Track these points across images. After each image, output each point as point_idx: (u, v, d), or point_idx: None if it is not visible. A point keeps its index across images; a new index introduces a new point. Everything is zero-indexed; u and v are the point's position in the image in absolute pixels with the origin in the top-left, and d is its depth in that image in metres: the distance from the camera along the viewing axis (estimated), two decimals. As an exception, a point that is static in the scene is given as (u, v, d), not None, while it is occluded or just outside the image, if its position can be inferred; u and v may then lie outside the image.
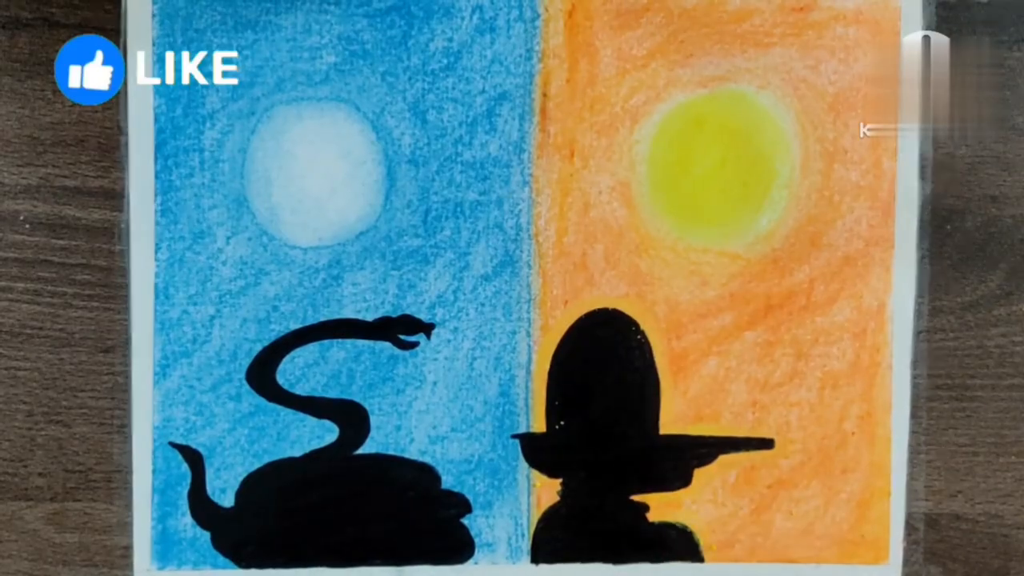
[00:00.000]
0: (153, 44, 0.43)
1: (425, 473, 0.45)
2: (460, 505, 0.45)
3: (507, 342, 0.45)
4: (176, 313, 0.44)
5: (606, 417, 0.45)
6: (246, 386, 0.44)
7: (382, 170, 0.44)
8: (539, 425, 0.45)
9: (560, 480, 0.45)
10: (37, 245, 0.44)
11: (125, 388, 0.44)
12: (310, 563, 0.45)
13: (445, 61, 0.44)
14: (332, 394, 0.44)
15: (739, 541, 0.45)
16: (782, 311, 0.45)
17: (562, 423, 0.45)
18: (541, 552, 0.45)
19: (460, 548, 0.45)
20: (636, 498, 0.45)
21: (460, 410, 0.45)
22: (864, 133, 0.45)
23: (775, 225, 0.45)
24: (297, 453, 0.44)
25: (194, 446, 0.44)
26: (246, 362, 0.44)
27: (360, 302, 0.44)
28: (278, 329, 0.44)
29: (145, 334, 0.44)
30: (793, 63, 0.45)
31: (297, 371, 0.44)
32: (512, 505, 0.45)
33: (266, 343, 0.44)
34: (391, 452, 0.45)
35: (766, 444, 0.45)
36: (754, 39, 0.44)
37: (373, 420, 0.44)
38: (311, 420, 0.44)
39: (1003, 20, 0.45)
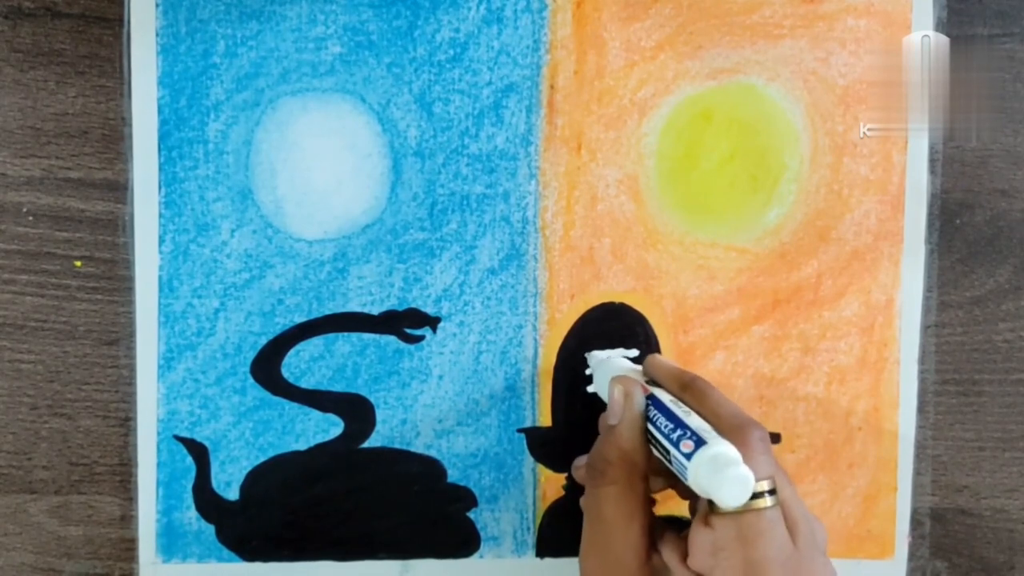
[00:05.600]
0: (156, 34, 0.43)
1: (431, 467, 0.45)
2: (466, 499, 0.45)
3: (513, 336, 0.44)
4: (180, 306, 0.44)
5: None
6: (251, 379, 0.44)
7: (388, 162, 0.44)
8: (545, 419, 0.45)
9: (565, 474, 0.45)
10: (41, 237, 0.43)
11: (129, 381, 0.44)
12: (315, 557, 0.45)
13: (452, 52, 0.44)
14: (337, 388, 0.44)
15: (745, 536, 0.45)
16: (790, 306, 0.45)
17: (568, 417, 0.45)
18: (546, 546, 0.45)
19: (466, 542, 0.45)
20: (642, 492, 0.45)
21: (466, 404, 0.44)
22: (864, 133, 0.44)
23: (783, 219, 0.45)
24: (302, 447, 0.44)
25: (199, 439, 0.44)
26: (251, 355, 0.44)
27: (365, 295, 0.44)
28: (283, 322, 0.44)
29: (149, 327, 0.44)
30: (803, 55, 0.44)
31: (302, 365, 0.44)
32: (518, 499, 0.45)
33: (271, 336, 0.44)
34: (397, 446, 0.44)
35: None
36: (764, 31, 0.44)
37: (379, 414, 0.44)
38: (316, 414, 0.44)
39: (1015, 13, 0.45)
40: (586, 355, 0.44)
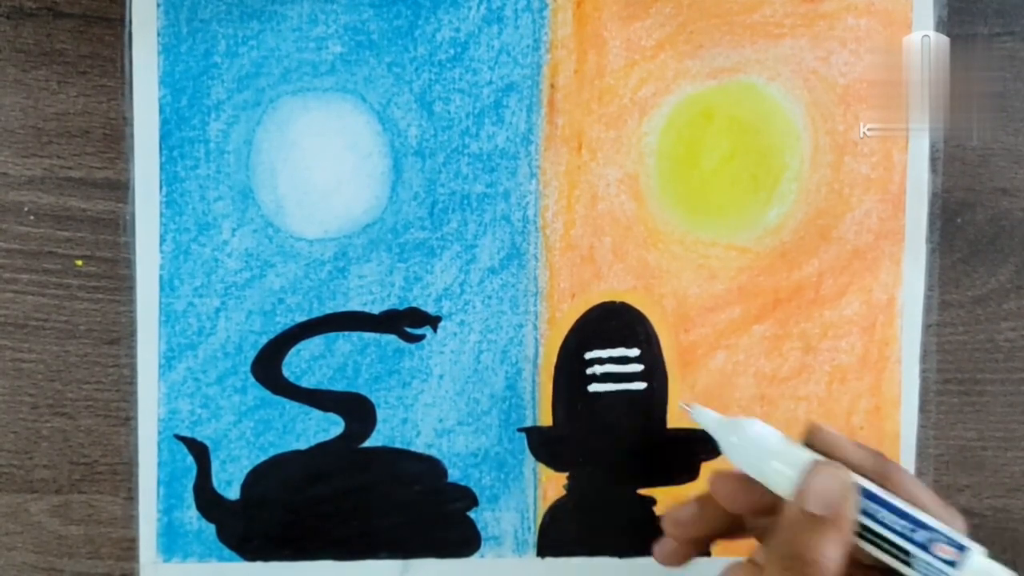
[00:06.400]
0: (158, 34, 0.43)
1: (431, 466, 0.45)
2: (466, 498, 0.45)
3: (514, 335, 0.44)
4: (181, 305, 0.44)
5: (613, 411, 0.45)
6: (251, 379, 0.44)
7: (388, 162, 0.44)
8: (545, 419, 0.45)
9: (567, 474, 0.45)
10: (42, 237, 0.43)
11: (130, 380, 0.44)
12: (316, 556, 0.45)
13: (452, 51, 0.44)
14: (338, 387, 0.44)
15: (746, 535, 0.45)
16: (791, 305, 0.45)
17: (568, 417, 0.45)
18: (547, 546, 0.45)
19: (466, 541, 0.45)
20: (643, 492, 0.45)
21: (467, 403, 0.44)
22: (864, 132, 0.44)
23: (784, 218, 0.45)
24: (303, 446, 0.44)
25: (199, 439, 0.44)
26: (251, 355, 0.44)
27: (366, 295, 0.44)
28: (284, 322, 0.44)
29: (150, 326, 0.44)
30: (803, 54, 0.44)
31: (303, 364, 0.44)
32: (518, 498, 0.45)
33: (272, 335, 0.44)
34: (397, 445, 0.44)
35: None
36: (764, 30, 0.44)
37: (379, 413, 0.44)
38: (317, 413, 0.44)
39: (1015, 12, 0.45)
40: (686, 407, 0.39)
